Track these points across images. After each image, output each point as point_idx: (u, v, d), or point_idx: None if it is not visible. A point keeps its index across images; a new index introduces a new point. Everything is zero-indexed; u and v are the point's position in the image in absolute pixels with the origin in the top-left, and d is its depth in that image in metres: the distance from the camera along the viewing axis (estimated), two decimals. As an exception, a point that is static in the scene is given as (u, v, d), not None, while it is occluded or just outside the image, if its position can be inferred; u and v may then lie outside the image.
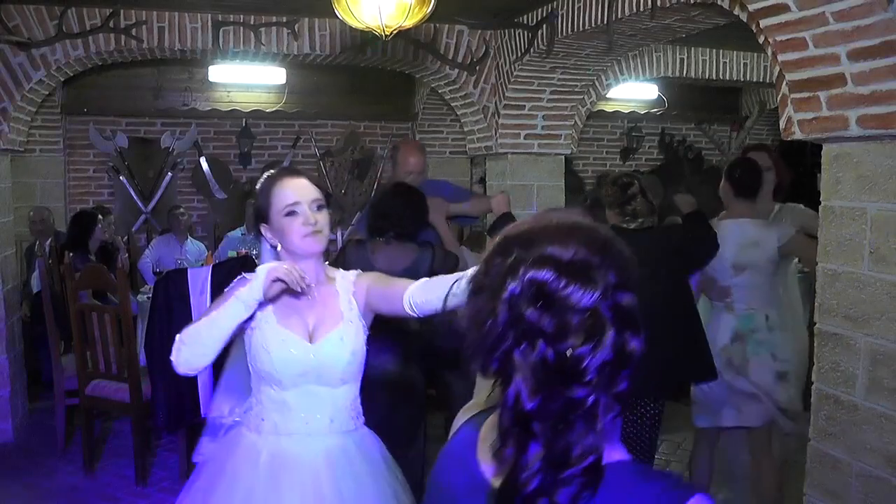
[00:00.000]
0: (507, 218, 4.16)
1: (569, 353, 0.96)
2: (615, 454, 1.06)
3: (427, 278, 2.16)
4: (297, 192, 2.28)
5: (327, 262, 2.57)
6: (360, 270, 2.46)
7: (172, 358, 2.14)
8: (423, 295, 2.10)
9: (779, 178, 4.10)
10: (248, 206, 7.49)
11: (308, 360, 2.23)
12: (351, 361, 2.28)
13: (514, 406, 0.97)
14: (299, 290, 2.13)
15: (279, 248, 2.32)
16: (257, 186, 2.38)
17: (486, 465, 1.11)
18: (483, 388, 1.42)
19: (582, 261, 1.00)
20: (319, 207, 2.30)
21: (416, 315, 2.15)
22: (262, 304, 2.19)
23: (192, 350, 2.12)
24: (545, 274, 0.98)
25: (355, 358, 2.29)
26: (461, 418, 1.30)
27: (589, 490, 0.97)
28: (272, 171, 2.42)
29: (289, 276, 2.09)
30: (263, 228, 2.34)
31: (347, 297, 2.33)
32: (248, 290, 2.10)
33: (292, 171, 2.41)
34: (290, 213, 2.25)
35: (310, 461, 2.23)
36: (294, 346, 2.23)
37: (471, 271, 1.89)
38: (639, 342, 1.01)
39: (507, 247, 1.05)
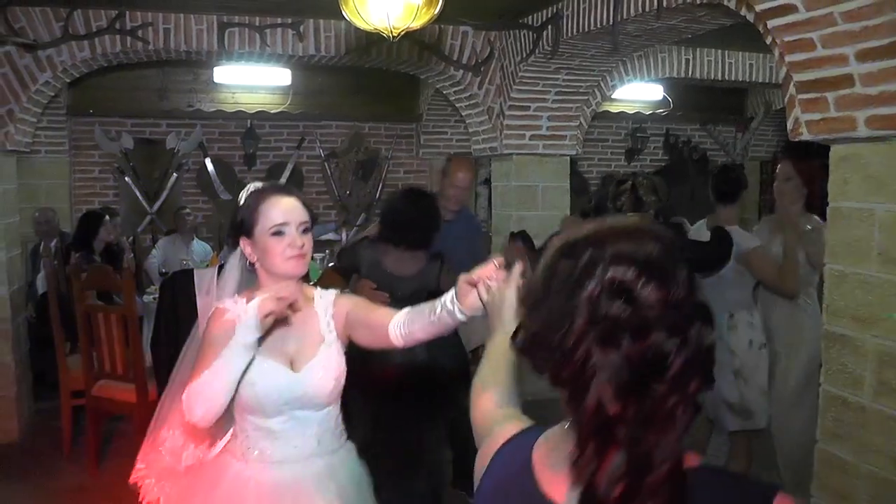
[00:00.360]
0: (522, 233, 4.24)
1: (653, 350, 0.94)
2: (688, 459, 1.02)
3: (410, 307, 2.10)
4: (287, 212, 2.21)
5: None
6: (338, 291, 2.41)
7: (188, 418, 2.10)
8: (410, 325, 2.06)
9: (808, 187, 3.96)
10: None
11: (293, 390, 2.18)
12: (335, 386, 2.25)
13: (595, 411, 0.94)
14: (289, 313, 2.10)
15: (257, 266, 2.26)
16: (242, 198, 2.29)
17: (552, 484, 1.07)
18: (490, 409, 1.40)
19: (659, 257, 0.99)
20: (306, 230, 2.23)
21: (401, 345, 2.11)
22: None
23: (206, 406, 2.07)
24: (626, 271, 0.96)
25: (338, 382, 2.26)
26: (490, 447, 1.24)
27: (677, 500, 0.94)
28: (259, 184, 2.34)
29: (278, 306, 2.02)
30: (244, 242, 2.26)
31: (326, 318, 2.29)
32: (244, 332, 2.02)
33: (283, 189, 2.32)
34: (277, 234, 2.18)
35: (301, 485, 2.20)
36: (278, 376, 2.17)
37: (448, 296, 1.91)
38: (713, 338, 0.99)
39: (574, 248, 1.02)
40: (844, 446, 3.00)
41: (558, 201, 6.10)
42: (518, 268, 1.57)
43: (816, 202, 4.07)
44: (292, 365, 2.21)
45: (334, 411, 2.31)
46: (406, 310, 2.10)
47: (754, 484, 1.07)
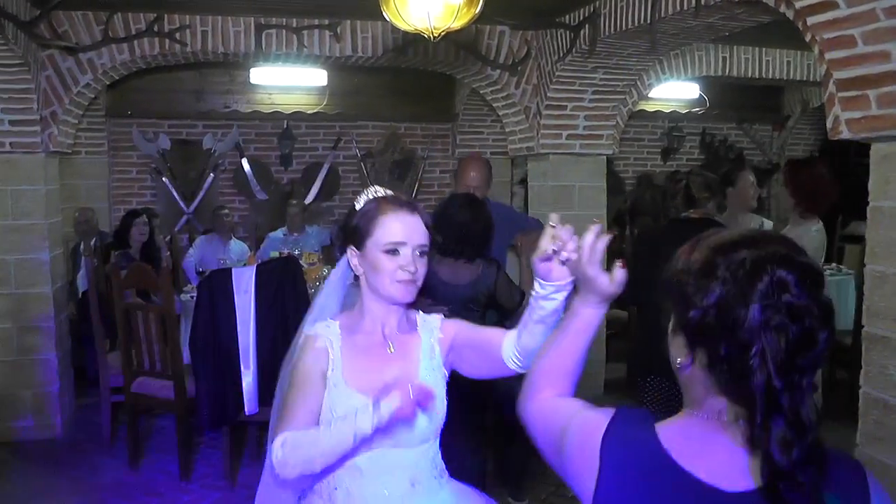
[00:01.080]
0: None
1: (809, 335, 1.15)
2: None
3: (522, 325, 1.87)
4: (407, 230, 1.98)
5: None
6: (443, 316, 2.15)
7: (276, 469, 1.85)
8: (520, 338, 1.81)
9: (792, 196, 4.05)
10: (290, 206, 7.57)
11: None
12: (431, 420, 1.97)
13: (765, 385, 1.14)
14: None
15: (361, 280, 2.05)
16: (361, 203, 2.05)
17: (709, 472, 1.23)
18: None
19: (811, 261, 1.21)
20: (422, 254, 2.00)
21: (519, 366, 1.86)
22: (332, 365, 1.99)
23: (301, 470, 1.85)
24: (791, 272, 1.16)
25: (436, 415, 1.99)
26: (587, 438, 1.34)
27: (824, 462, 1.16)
28: (382, 192, 2.08)
29: (411, 408, 1.75)
30: (351, 252, 2.04)
31: (430, 342, 2.06)
32: (366, 422, 1.74)
33: (407, 204, 2.04)
34: (391, 252, 1.96)
35: None
36: (364, 412, 1.80)
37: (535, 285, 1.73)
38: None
39: (733, 248, 1.21)
40: (886, 449, 2.95)
41: (594, 201, 6.07)
42: (604, 237, 1.47)
43: (810, 208, 4.12)
44: None
45: (431, 449, 2.04)
46: (513, 330, 1.89)
47: (849, 457, 1.29)
